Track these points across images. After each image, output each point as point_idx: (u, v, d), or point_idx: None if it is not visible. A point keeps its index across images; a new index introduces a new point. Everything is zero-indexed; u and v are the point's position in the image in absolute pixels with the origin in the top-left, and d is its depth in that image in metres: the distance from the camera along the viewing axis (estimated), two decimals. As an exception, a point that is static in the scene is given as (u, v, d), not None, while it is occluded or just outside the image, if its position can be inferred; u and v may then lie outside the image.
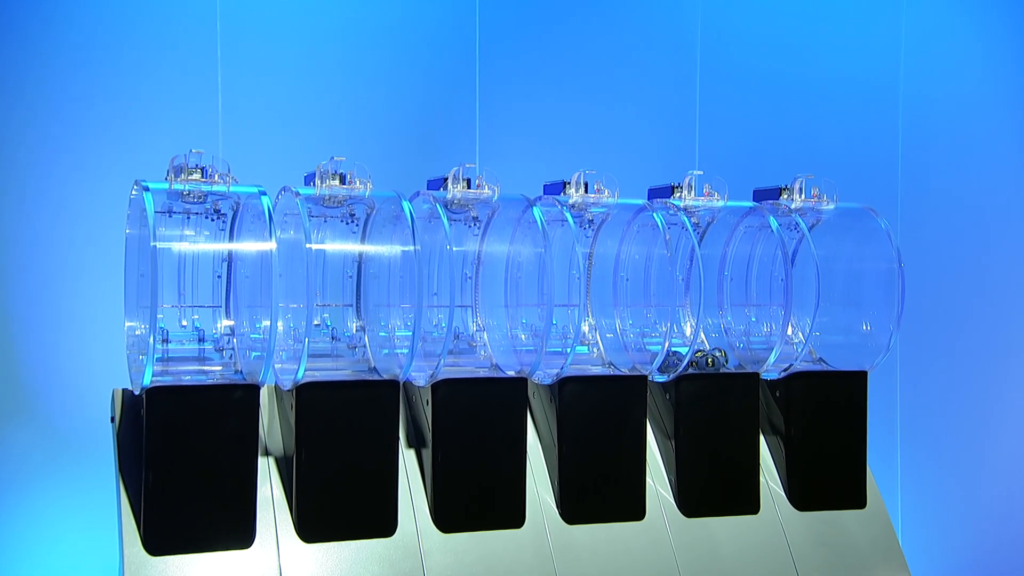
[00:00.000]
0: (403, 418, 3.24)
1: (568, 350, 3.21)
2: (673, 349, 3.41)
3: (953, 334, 5.03)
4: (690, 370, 3.39)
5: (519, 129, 4.36)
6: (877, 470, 4.45)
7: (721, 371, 3.47)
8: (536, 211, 3.18)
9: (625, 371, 3.39)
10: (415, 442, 3.24)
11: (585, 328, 3.47)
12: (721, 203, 3.49)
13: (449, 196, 3.24)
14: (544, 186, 3.48)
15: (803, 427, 3.50)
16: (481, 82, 4.30)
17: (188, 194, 2.94)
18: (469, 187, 3.25)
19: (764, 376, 3.49)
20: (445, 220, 3.09)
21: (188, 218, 3.00)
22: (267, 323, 2.85)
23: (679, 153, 4.62)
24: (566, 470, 3.26)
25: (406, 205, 3.03)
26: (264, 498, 2.99)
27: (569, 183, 3.37)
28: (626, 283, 3.51)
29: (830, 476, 3.51)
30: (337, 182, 3.08)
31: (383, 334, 3.20)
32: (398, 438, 3.09)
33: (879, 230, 3.50)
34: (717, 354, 3.46)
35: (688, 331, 3.43)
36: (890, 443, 5.01)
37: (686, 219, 3.34)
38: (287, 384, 2.99)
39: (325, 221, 3.18)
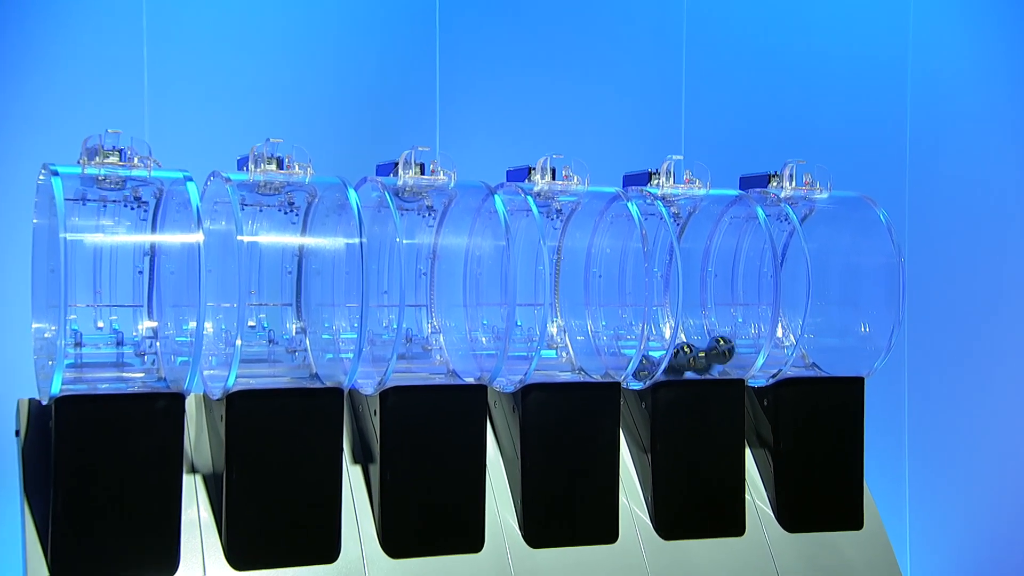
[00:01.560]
0: (348, 430, 3.21)
1: (533, 354, 3.19)
2: (650, 353, 3.39)
3: (967, 337, 5.04)
4: (700, 357, 3.39)
5: (484, 109, 4.35)
6: (882, 487, 4.48)
7: (712, 375, 3.47)
8: (497, 200, 3.16)
9: (597, 377, 3.38)
10: (361, 457, 3.22)
11: (553, 330, 3.47)
12: (703, 191, 3.48)
13: (400, 183, 3.22)
14: (507, 172, 3.46)
15: (793, 439, 3.49)
16: (442, 56, 4.29)
17: (104, 179, 2.89)
18: (423, 173, 3.22)
19: (751, 383, 3.49)
20: (394, 210, 3.07)
21: (104, 206, 2.95)
22: (194, 324, 2.81)
23: (663, 137, 4.61)
24: (530, 488, 3.25)
25: (351, 193, 3.00)
26: (190, 521, 2.96)
27: (534, 169, 3.35)
28: (598, 280, 3.50)
29: (823, 494, 3.51)
30: (274, 167, 3.05)
31: (326, 337, 3.18)
32: (342, 453, 3.07)
33: (877, 221, 3.50)
34: (722, 344, 3.44)
35: (667, 333, 3.42)
36: (897, 457, 5.02)
37: (663, 209, 3.33)
38: (217, 393, 2.97)
39: (260, 211, 3.15)
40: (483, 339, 3.34)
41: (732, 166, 3.76)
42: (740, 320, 3.63)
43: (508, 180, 3.43)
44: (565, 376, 3.41)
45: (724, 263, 3.60)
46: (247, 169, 3.05)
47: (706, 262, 3.60)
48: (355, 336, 2.98)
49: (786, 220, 3.54)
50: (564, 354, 3.47)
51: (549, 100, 4.44)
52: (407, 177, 3.20)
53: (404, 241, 3.24)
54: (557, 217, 3.48)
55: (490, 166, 3.54)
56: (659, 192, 3.45)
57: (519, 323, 3.39)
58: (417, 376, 3.26)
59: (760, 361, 3.38)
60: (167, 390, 2.91)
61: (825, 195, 3.59)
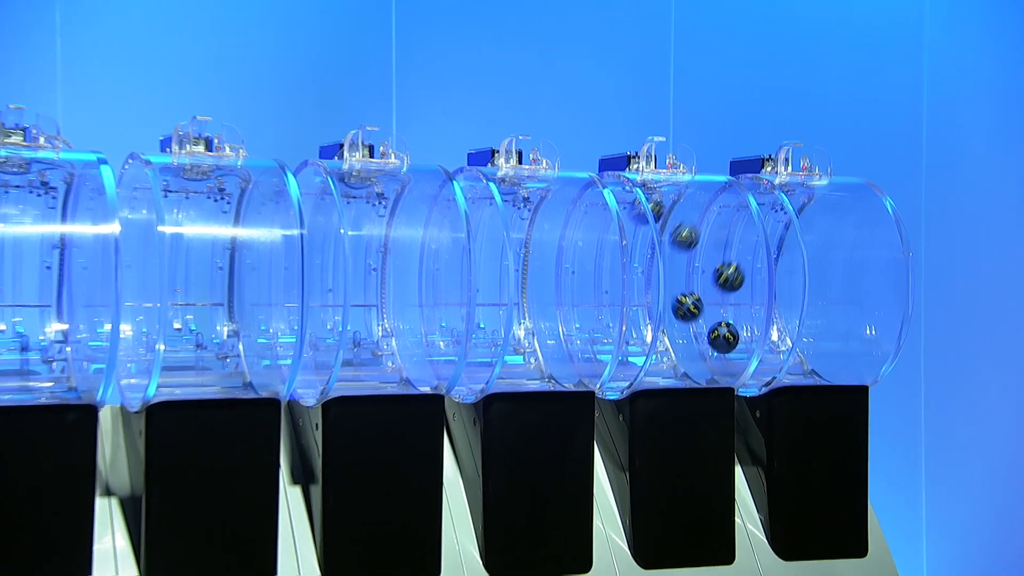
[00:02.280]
0: (286, 447, 3.20)
1: (497, 360, 3.18)
2: (630, 359, 3.41)
3: (991, 340, 5.04)
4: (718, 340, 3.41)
5: (445, 84, 4.32)
6: (895, 509, 4.53)
7: (698, 386, 3.47)
8: (456, 186, 3.16)
9: (569, 386, 3.38)
10: (301, 477, 3.20)
11: (520, 333, 3.47)
12: (688, 177, 3.48)
13: (346, 167, 3.20)
14: (468, 155, 3.44)
15: (789, 456, 3.49)
16: (398, 23, 4.26)
17: (5, 162, 2.86)
18: (372, 156, 3.20)
19: (741, 392, 3.49)
20: (338, 198, 3.06)
21: (6, 192, 2.92)
22: (110, 327, 2.77)
23: (647, 117, 4.60)
24: (493, 510, 3.24)
25: (290, 178, 2.99)
26: (103, 551, 2.93)
27: (498, 152, 3.34)
28: (571, 277, 3.51)
29: (822, 517, 3.51)
30: (201, 148, 3.03)
31: (262, 341, 3.17)
32: (279, 472, 3.05)
33: (883, 211, 3.50)
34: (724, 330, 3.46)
35: (648, 336, 3.41)
36: (912, 475, 5.04)
37: (643, 196, 3.32)
38: (136, 404, 2.94)
39: (187, 198, 3.13)
40: (441, 343, 3.33)
41: (724, 149, 3.75)
42: (731, 321, 3.59)
43: (469, 164, 3.41)
44: (533, 385, 3.41)
45: (713, 258, 3.59)
46: (171, 151, 3.02)
47: (692, 257, 3.59)
48: (294, 340, 2.96)
49: (781, 210, 3.54)
50: (532, 360, 3.47)
51: (518, 74, 4.43)
52: (353, 160, 3.18)
53: (350, 232, 3.22)
54: (524, 206, 3.48)
55: (451, 148, 3.53)
56: (638, 178, 3.45)
57: (481, 325, 3.39)
58: (366, 385, 3.25)
59: (752, 367, 3.38)
60: (78, 401, 2.89)
61: (825, 181, 3.59)
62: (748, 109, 4.75)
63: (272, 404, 3.01)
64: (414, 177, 3.29)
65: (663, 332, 3.56)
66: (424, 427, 3.16)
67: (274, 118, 4.02)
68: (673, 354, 3.59)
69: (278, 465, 3.05)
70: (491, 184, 3.23)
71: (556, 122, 4.34)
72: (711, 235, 3.61)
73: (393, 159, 3.21)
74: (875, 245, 3.56)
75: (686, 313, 3.47)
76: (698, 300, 3.48)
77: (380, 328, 3.33)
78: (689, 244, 3.47)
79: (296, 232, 2.93)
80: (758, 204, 3.42)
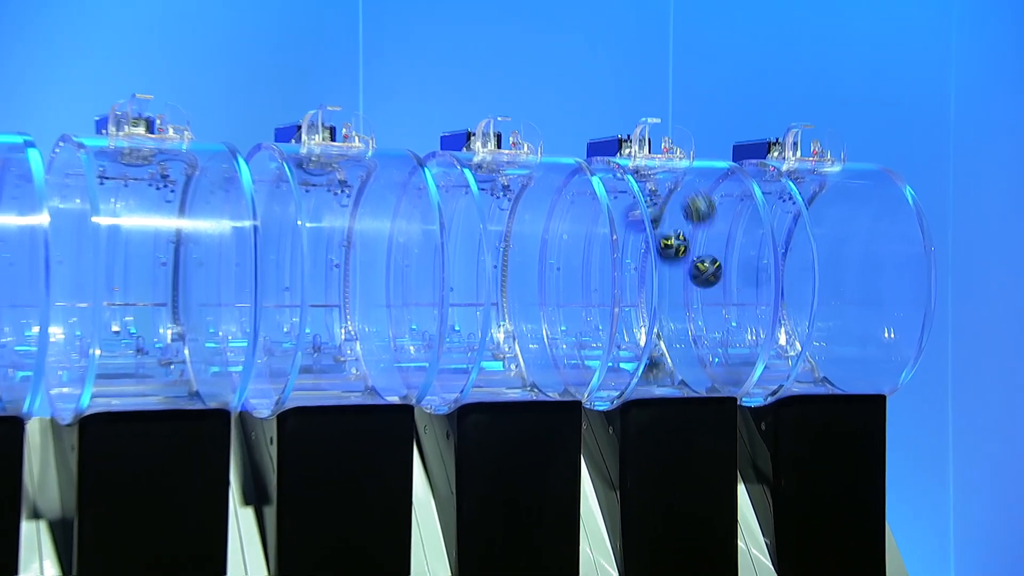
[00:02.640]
0: (237, 463, 3.18)
1: (472, 366, 3.16)
2: (621, 365, 3.40)
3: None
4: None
5: (419, 59, 4.33)
6: (920, 532, 4.53)
7: (693, 395, 3.45)
8: (427, 173, 3.13)
9: (554, 395, 3.36)
10: (253, 498, 3.17)
11: (499, 336, 3.47)
12: (686, 163, 3.46)
13: (304, 151, 3.18)
14: (441, 138, 3.42)
15: (798, 473, 3.49)
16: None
17: (-77, 147, 2.85)
18: (333, 138, 3.19)
19: (745, 402, 3.48)
20: (295, 185, 3.03)
21: (-81, 180, 2.90)
22: (38, 329, 2.72)
23: (645, 97, 4.60)
24: (468, 534, 3.21)
25: (242, 163, 2.96)
26: (29, 580, 2.91)
27: (474, 134, 3.32)
28: (557, 274, 3.50)
29: (835, 541, 3.50)
30: (142, 130, 3.00)
31: (211, 345, 3.14)
32: (228, 491, 3.02)
33: (902, 200, 3.49)
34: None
35: (642, 339, 3.42)
36: (939, 494, 5.02)
37: (635, 185, 3.29)
38: (67, 416, 2.91)
39: (126, 185, 3.10)
40: (411, 348, 3.32)
41: (728, 132, 3.74)
42: (734, 324, 3.62)
43: (443, 148, 3.39)
44: (514, 394, 3.40)
45: (714, 253, 3.53)
46: (107, 133, 2.98)
47: (692, 252, 3.50)
48: (247, 344, 2.93)
49: (789, 199, 3.53)
50: (513, 366, 3.46)
51: (499, 48, 4.43)
52: (312, 144, 3.16)
53: (308, 224, 3.20)
54: (504, 195, 3.45)
55: (424, 131, 3.50)
56: (630, 164, 3.42)
57: (456, 327, 3.38)
58: (326, 394, 3.23)
59: (757, 373, 3.36)
60: (3, 413, 2.85)
61: (838, 168, 3.57)
62: (755, 89, 4.76)
63: (221, 416, 2.99)
64: (381, 163, 3.26)
65: (658, 335, 3.55)
66: (392, 441, 3.14)
67: (225, 97, 4.00)
68: (669, 359, 3.57)
69: (227, 484, 3.01)
70: (466, 171, 3.20)
71: (541, 102, 4.34)
72: (711, 228, 3.55)
73: (357, 142, 3.19)
74: (893, 239, 3.55)
75: (706, 281, 3.42)
76: (718, 268, 3.43)
77: (343, 331, 3.31)
78: (704, 216, 3.40)
79: (248, 224, 2.90)
80: (764, 193, 3.40)
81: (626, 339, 3.51)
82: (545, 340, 3.46)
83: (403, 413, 3.15)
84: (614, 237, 3.23)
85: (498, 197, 3.45)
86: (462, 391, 3.15)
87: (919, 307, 3.46)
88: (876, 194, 3.58)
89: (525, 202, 3.45)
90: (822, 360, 3.62)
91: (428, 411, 3.26)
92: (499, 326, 3.45)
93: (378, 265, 3.32)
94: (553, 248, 3.48)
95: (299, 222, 3.00)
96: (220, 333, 3.13)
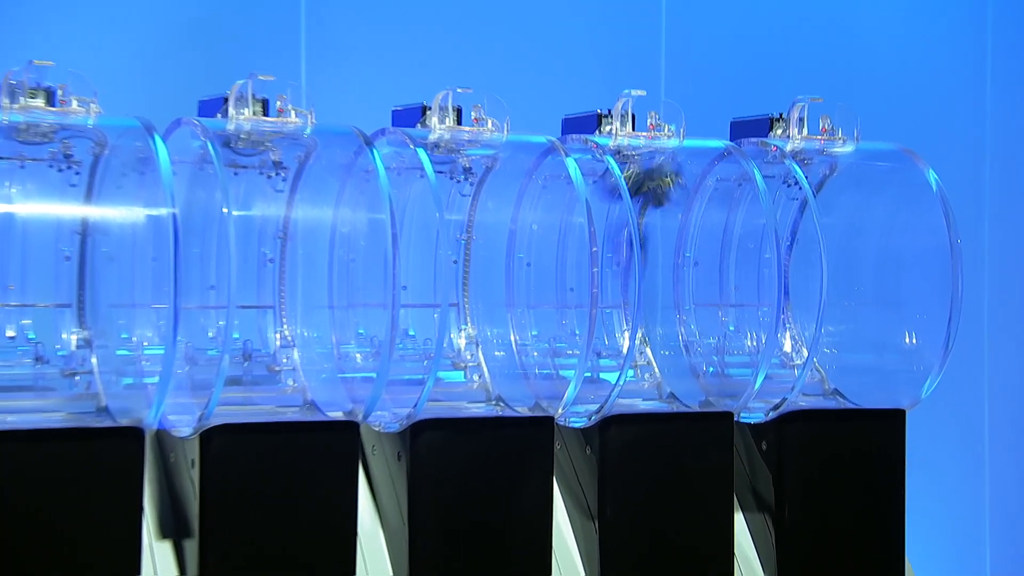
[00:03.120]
0: (153, 490, 3.13)
1: (428, 376, 3.13)
2: (601, 375, 3.40)
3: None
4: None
5: (371, 21, 4.33)
6: (950, 566, 4.51)
7: (678, 409, 3.45)
8: (375, 154, 3.09)
9: (523, 410, 3.36)
10: (172, 529, 3.12)
11: (460, 342, 3.47)
12: (675, 142, 3.45)
13: (231, 127, 3.13)
14: (393, 113, 3.41)
15: (804, 500, 3.49)
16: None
17: None
18: (266, 113, 3.15)
19: (744, 418, 3.47)
20: (219, 166, 2.96)
21: None
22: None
23: (633, 66, 4.62)
24: (422, 569, 3.18)
25: (158, 142, 2.90)
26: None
27: (430, 108, 3.30)
28: (527, 270, 3.51)
29: None
30: (41, 102, 2.94)
31: (123, 353, 3.08)
32: (141, 520, 2.95)
33: (925, 185, 3.49)
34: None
35: (625, 345, 3.40)
36: (974, 523, 5.05)
37: (616, 168, 3.27)
38: None
39: (22, 167, 3.04)
40: (357, 356, 3.30)
41: (727, 107, 3.75)
42: (732, 328, 3.64)
43: (395, 125, 3.38)
44: (476, 409, 3.39)
45: (708, 247, 3.63)
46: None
47: (682, 244, 3.59)
48: (164, 351, 2.86)
49: (795, 184, 3.53)
50: (476, 377, 3.45)
51: (462, 8, 4.44)
52: (241, 119, 3.12)
53: (237, 212, 3.17)
54: (465, 179, 3.44)
55: (374, 104, 3.51)
56: (611, 143, 3.41)
57: (410, 332, 3.40)
58: (258, 410, 3.21)
59: (758, 383, 3.35)
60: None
61: (850, 148, 3.58)
62: (758, 57, 4.83)
63: (134, 434, 2.93)
64: (322, 141, 3.23)
65: (644, 341, 3.53)
66: (334, 463, 3.11)
67: (140, 65, 3.97)
68: (656, 369, 3.56)
69: (141, 512, 2.95)
70: (420, 151, 3.16)
71: (510, 72, 4.37)
72: (705, 216, 3.59)
73: (294, 118, 3.16)
74: (915, 230, 3.57)
75: (651, 193, 3.45)
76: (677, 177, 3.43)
77: (278, 336, 3.28)
78: (668, 198, 3.43)
79: (166, 212, 2.83)
80: (765, 177, 3.41)
81: (607, 345, 3.49)
82: (513, 346, 3.45)
83: (347, 431, 3.12)
84: (592, 229, 3.19)
85: (459, 181, 3.43)
86: (415, 405, 3.12)
87: (944, 308, 3.45)
88: (895, 178, 3.59)
89: (490, 187, 3.43)
90: (832, 369, 3.61)
91: (376, 429, 3.23)
92: (460, 330, 3.44)
93: (319, 260, 3.28)
94: (522, 240, 3.46)
95: (225, 210, 2.96)
96: (134, 339, 3.08)
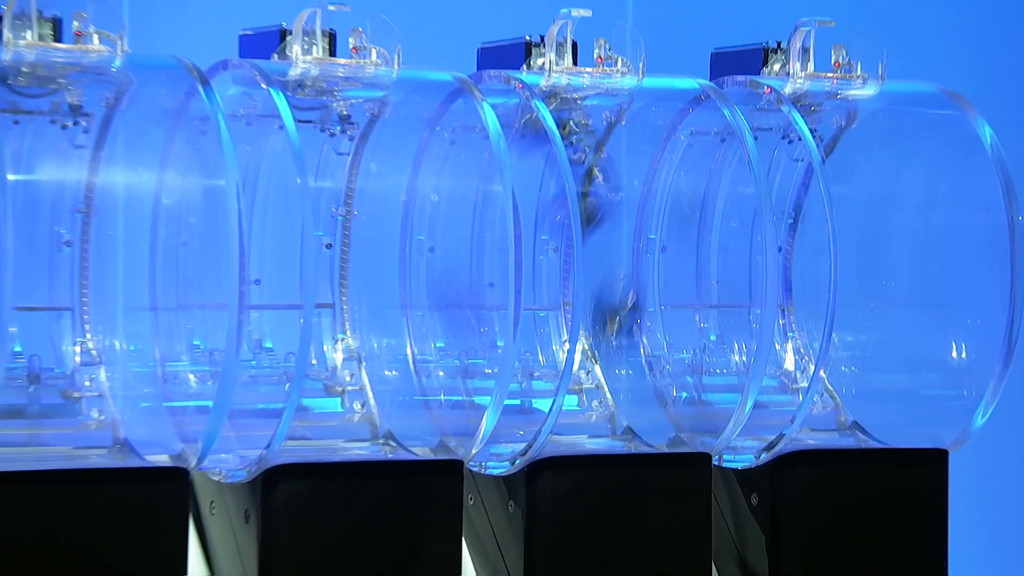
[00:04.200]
0: None
1: (287, 405, 3.05)
2: (533, 403, 3.43)
3: None
4: None
5: None
6: None
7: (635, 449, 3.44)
8: (214, 96, 3.00)
9: (422, 451, 3.35)
10: None
11: (337, 357, 3.45)
12: (632, 80, 3.39)
13: (7, 57, 3.02)
14: (240, 38, 3.43)
15: (807, 572, 3.42)
16: None
17: None
18: (58, 37, 3.06)
19: (728, 462, 3.45)
20: None
21: None
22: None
23: None
24: None
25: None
26: None
27: (291, 32, 3.24)
28: (430, 257, 3.52)
29: None
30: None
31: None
32: None
33: (975, 143, 3.45)
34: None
35: (562, 358, 3.43)
36: None
37: (548, 115, 3.18)
38: None
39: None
40: (190, 376, 3.23)
41: (706, 34, 3.81)
42: (713, 337, 3.65)
43: (243, 55, 3.40)
44: (358, 450, 3.42)
45: (679, 226, 3.68)
46: None
47: (643, 223, 3.56)
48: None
49: (798, 140, 3.52)
50: (358, 405, 3.43)
51: None
52: (22, 45, 2.99)
53: (16, 177, 3.14)
54: (343, 132, 3.43)
55: (217, 29, 3.68)
56: (543, 82, 3.35)
57: (267, 344, 3.38)
58: (49, 452, 3.16)
59: (745, 411, 3.31)
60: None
61: (872, 90, 3.55)
62: None
63: None
64: (138, 79, 3.16)
65: (592, 356, 3.49)
66: (155, 524, 3.03)
67: None
68: (608, 394, 3.51)
69: None
70: (276, 92, 3.07)
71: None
72: (676, 184, 3.56)
73: (97, 43, 3.05)
74: (962, 203, 3.57)
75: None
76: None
77: (79, 349, 3.19)
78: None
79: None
80: (758, 130, 3.46)
81: (542, 361, 3.45)
82: (410, 363, 3.42)
83: (175, 480, 3.04)
84: (515, 201, 3.10)
85: (333, 135, 3.40)
86: (268, 445, 3.02)
87: (1002, 309, 3.39)
88: (935, 133, 3.61)
89: (376, 143, 3.39)
90: (851, 395, 3.60)
91: (216, 478, 3.15)
92: (335, 341, 3.42)
93: (137, 244, 3.21)
94: (422, 217, 3.42)
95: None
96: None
